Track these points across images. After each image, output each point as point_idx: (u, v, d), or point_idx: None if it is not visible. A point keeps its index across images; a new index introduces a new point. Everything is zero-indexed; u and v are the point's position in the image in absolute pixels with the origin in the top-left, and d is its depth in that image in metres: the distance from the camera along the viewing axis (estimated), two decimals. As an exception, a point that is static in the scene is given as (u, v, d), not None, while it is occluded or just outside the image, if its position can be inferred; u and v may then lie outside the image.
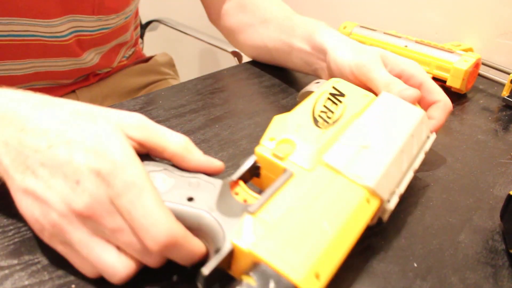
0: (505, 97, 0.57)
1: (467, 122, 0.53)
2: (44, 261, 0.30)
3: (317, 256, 0.26)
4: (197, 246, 0.27)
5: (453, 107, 0.57)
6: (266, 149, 0.33)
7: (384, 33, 0.66)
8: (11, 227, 0.32)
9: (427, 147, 0.38)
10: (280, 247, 0.26)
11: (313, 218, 0.28)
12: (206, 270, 0.25)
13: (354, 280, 0.31)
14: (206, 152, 0.43)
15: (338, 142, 0.34)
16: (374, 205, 0.31)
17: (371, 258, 0.32)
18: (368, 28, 0.68)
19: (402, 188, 0.33)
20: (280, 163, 0.32)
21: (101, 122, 0.28)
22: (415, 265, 0.32)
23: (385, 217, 0.33)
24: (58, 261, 0.30)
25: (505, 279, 0.32)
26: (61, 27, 0.54)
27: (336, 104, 0.38)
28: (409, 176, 0.35)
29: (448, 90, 0.60)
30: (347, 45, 0.48)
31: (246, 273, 0.25)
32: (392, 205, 0.32)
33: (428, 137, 0.39)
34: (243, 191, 0.31)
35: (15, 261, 0.30)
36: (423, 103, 0.44)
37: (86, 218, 0.26)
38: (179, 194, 0.29)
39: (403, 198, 0.39)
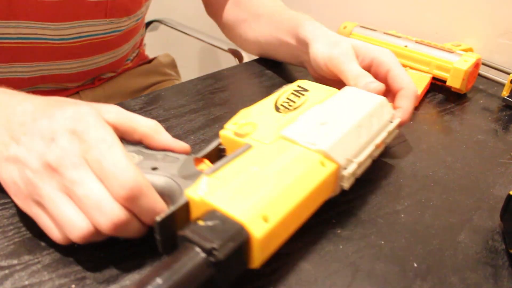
0: (505, 97, 0.57)
1: (467, 122, 0.53)
2: (44, 261, 0.30)
3: (264, 202, 0.28)
4: (159, 201, 0.29)
5: (453, 107, 0.57)
6: (229, 130, 0.36)
7: (384, 33, 0.66)
8: (11, 227, 0.32)
9: (390, 128, 0.40)
10: (230, 196, 0.28)
11: (264, 175, 0.30)
12: (159, 217, 0.27)
13: (354, 280, 0.31)
14: (206, 152, 0.43)
15: (296, 121, 0.36)
16: (330, 168, 0.33)
17: (371, 258, 0.32)
18: (368, 28, 0.68)
19: (361, 158, 0.35)
20: (241, 140, 0.34)
21: (82, 104, 0.31)
22: (415, 265, 0.32)
23: (346, 185, 0.34)
24: (58, 261, 0.30)
25: (505, 279, 0.32)
26: (69, 30, 0.54)
27: (298, 96, 0.40)
28: (370, 149, 0.36)
29: (448, 90, 0.60)
30: (324, 38, 0.49)
31: (198, 218, 0.27)
32: (349, 171, 0.33)
33: (391, 121, 0.41)
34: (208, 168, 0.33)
35: (15, 261, 0.30)
36: (391, 91, 0.45)
37: (54, 171, 0.27)
38: (144, 165, 0.31)
39: (403, 198, 0.39)
